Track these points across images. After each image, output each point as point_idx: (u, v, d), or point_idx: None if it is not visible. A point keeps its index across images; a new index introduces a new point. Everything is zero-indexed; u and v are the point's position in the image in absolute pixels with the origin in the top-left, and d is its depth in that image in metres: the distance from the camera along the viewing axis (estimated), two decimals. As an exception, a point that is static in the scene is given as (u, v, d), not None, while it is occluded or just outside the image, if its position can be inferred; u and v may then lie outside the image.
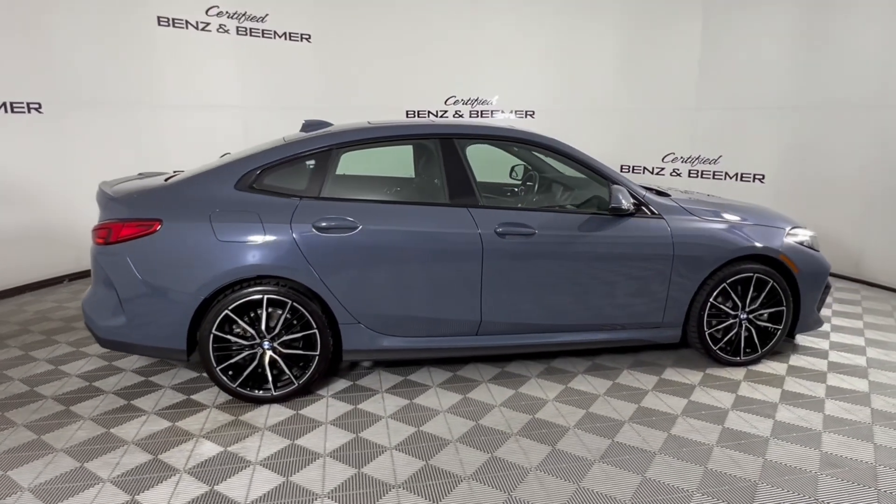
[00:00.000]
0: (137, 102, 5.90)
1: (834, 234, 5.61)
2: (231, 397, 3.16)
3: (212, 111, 6.40)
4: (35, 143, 5.24)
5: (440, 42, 7.14)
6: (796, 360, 3.77)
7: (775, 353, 3.82)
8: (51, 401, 3.18)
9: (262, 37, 6.61)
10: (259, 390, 3.12)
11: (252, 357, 3.09)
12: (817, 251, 3.75)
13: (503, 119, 7.41)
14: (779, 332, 3.65)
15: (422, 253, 3.21)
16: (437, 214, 3.27)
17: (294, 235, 3.06)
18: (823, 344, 4.05)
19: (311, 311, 3.10)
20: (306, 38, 6.82)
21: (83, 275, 5.61)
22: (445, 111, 7.38)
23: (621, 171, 6.97)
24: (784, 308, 3.60)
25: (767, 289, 3.56)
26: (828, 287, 3.81)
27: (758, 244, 3.52)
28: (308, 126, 3.63)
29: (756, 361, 3.68)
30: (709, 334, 3.58)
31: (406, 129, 3.55)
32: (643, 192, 3.54)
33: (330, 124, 3.66)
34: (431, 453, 2.69)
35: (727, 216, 3.61)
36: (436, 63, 7.21)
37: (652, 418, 3.01)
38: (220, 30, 6.34)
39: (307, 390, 3.24)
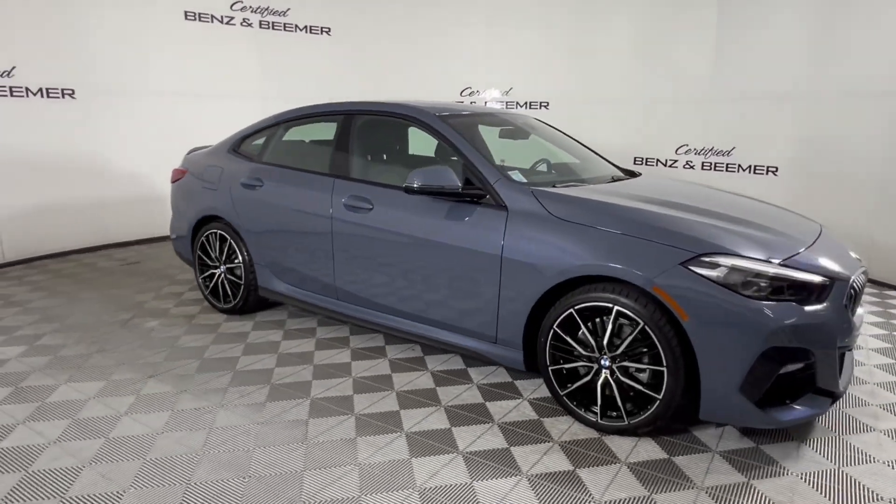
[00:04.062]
0: (162, 91, 6.26)
1: (847, 229, 4.90)
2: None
3: (233, 101, 6.71)
4: (70, 127, 5.68)
5: (457, 34, 7.29)
6: (710, 465, 2.36)
7: (678, 432, 2.49)
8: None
9: (284, 30, 6.94)
10: (220, 301, 4.22)
11: (215, 275, 4.19)
12: (764, 299, 2.20)
13: (520, 111, 7.05)
14: (657, 404, 2.39)
15: (293, 214, 3.61)
16: (313, 182, 3.56)
17: (230, 188, 3.97)
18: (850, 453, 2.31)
19: (239, 249, 3.98)
20: (326, 32, 7.00)
21: (114, 245, 6.25)
22: (461, 102, 6.93)
23: (634, 164, 6.77)
24: (664, 369, 2.34)
25: (635, 333, 2.40)
26: (810, 363, 2.20)
27: (602, 263, 2.42)
28: None
29: (627, 432, 2.52)
30: (556, 372, 2.68)
31: (327, 107, 3.79)
32: (499, 176, 2.86)
33: None
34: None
35: (611, 219, 2.54)
36: (452, 54, 7.34)
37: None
38: (244, 23, 6.71)
39: (244, 310, 4.13)
